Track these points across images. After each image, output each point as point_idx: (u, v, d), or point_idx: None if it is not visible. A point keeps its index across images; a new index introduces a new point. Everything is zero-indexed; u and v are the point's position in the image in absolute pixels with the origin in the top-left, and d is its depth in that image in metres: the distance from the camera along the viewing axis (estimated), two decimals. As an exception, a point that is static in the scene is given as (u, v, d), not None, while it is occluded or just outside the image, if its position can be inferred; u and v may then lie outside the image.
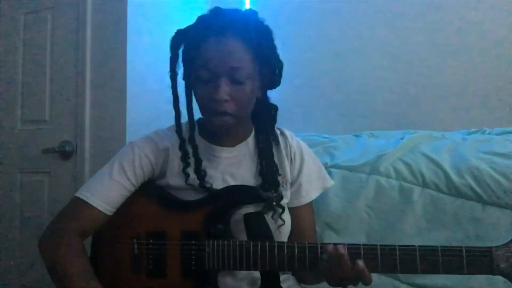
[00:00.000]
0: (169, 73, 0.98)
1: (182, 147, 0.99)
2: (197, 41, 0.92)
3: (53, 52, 2.07)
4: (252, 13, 0.97)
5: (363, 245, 0.81)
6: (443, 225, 1.16)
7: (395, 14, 1.99)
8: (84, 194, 0.94)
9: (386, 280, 1.14)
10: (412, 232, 1.17)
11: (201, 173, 0.97)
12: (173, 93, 0.99)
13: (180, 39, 0.97)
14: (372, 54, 2.03)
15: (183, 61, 0.97)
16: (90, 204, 0.93)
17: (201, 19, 0.95)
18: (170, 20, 2.09)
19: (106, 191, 0.95)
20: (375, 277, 1.14)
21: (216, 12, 0.94)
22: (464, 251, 0.77)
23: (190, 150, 0.99)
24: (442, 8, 1.90)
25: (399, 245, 0.80)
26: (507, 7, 1.78)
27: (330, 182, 1.11)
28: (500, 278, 0.80)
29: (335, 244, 0.82)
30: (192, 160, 0.99)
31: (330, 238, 1.24)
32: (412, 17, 1.96)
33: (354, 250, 0.81)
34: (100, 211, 0.93)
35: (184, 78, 0.99)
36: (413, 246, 0.79)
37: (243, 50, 0.91)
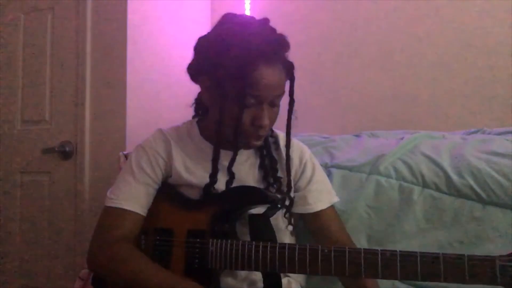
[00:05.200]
0: (219, 97, 0.92)
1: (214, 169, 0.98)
2: (246, 68, 0.87)
3: (53, 52, 2.07)
4: (269, 26, 0.96)
5: (364, 249, 0.80)
6: (443, 225, 1.15)
7: (395, 14, 1.99)
8: (116, 202, 0.97)
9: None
10: (412, 232, 1.17)
11: (214, 179, 0.98)
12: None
13: (224, 59, 0.90)
14: (372, 53, 2.03)
15: (224, 81, 0.91)
16: (126, 210, 0.96)
17: (243, 42, 0.88)
18: (170, 20, 2.09)
19: (136, 194, 0.98)
20: (375, 277, 1.16)
21: (255, 32, 0.91)
22: (466, 259, 0.74)
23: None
24: (442, 7, 1.90)
25: (400, 251, 0.78)
26: (507, 7, 1.77)
27: (336, 198, 1.14)
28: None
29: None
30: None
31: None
32: (412, 16, 1.96)
33: (354, 254, 0.80)
34: (137, 214, 0.97)
35: (213, 95, 0.95)
36: (415, 252, 0.77)
37: (284, 76, 0.92)
